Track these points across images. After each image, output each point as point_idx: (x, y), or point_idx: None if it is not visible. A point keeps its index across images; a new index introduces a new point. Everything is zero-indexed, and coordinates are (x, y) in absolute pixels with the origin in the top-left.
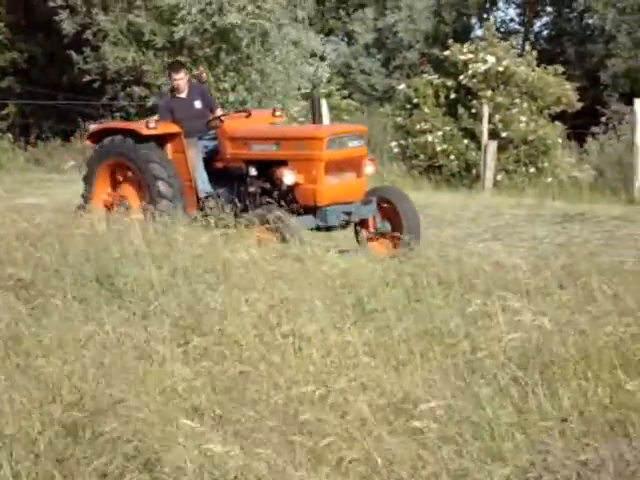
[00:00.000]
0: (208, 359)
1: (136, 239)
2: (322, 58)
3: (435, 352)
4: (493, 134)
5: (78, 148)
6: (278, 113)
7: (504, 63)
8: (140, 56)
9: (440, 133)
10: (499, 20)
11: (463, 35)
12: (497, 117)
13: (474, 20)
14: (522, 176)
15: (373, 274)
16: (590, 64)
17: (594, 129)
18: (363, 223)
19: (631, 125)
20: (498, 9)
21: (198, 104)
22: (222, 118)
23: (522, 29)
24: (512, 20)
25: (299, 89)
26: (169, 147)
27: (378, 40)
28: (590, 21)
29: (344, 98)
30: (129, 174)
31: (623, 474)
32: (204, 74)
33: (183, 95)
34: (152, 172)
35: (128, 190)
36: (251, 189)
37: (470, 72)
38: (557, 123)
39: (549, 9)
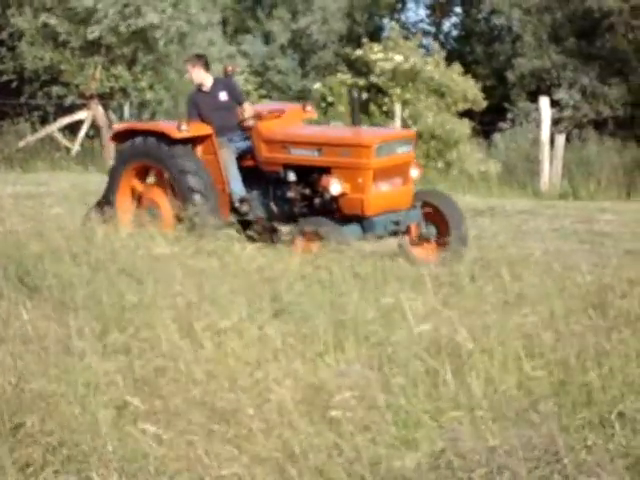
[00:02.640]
0: (128, 353)
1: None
2: (244, 55)
3: (350, 343)
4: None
5: None
6: (309, 108)
7: (411, 61)
8: (57, 56)
9: None
10: (410, 20)
11: (375, 35)
12: (407, 112)
13: (386, 20)
14: (432, 170)
15: (290, 268)
16: (498, 63)
17: (502, 125)
18: (406, 229)
19: (537, 122)
20: (408, 9)
21: (223, 96)
22: (255, 119)
23: (432, 29)
24: (422, 20)
25: None
26: (200, 149)
27: (293, 41)
28: (497, 22)
29: (261, 97)
30: (157, 177)
31: (530, 459)
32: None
33: (206, 89)
34: (187, 184)
35: (156, 193)
36: (289, 195)
37: (378, 70)
38: (464, 120)
39: (458, 10)
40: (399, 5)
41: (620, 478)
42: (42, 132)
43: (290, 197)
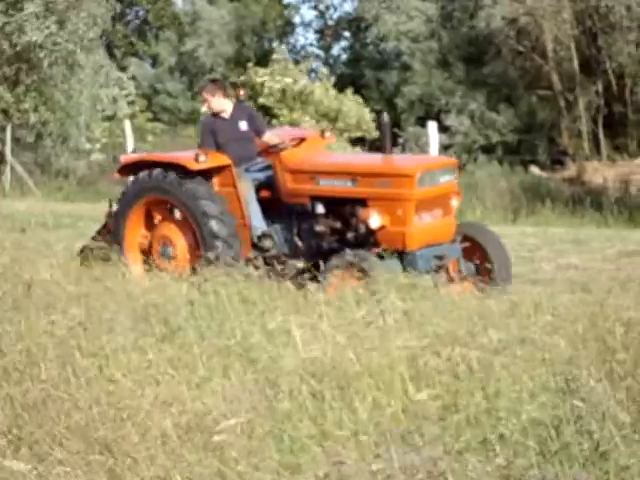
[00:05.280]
0: (7, 380)
1: None
2: (131, 78)
3: (236, 368)
4: None
5: None
6: (328, 134)
7: (301, 84)
8: None
9: None
10: (299, 44)
11: (264, 59)
12: None
13: (275, 44)
14: None
15: (178, 292)
16: (387, 89)
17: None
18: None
19: (426, 145)
20: (298, 34)
21: (244, 126)
22: (280, 147)
23: (322, 53)
24: (311, 44)
25: (103, 110)
26: (217, 180)
27: (180, 63)
28: (386, 47)
29: (149, 120)
30: (171, 213)
31: None
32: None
33: (225, 115)
34: (211, 229)
35: (170, 228)
36: (317, 229)
37: (267, 90)
38: (357, 149)
39: (347, 34)
40: (288, 29)
41: None
42: None
43: (318, 231)
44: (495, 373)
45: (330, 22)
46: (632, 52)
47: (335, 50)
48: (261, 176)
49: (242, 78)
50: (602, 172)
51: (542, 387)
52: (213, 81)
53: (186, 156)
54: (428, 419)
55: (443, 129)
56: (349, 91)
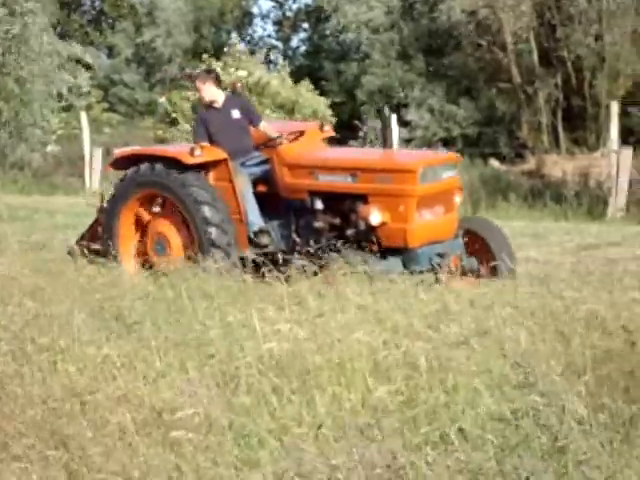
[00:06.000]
0: None
1: None
2: (87, 67)
3: (194, 362)
4: None
5: None
6: (327, 128)
7: (256, 75)
8: None
9: None
10: (257, 35)
11: (222, 50)
12: None
13: (234, 35)
14: None
15: (134, 286)
16: (347, 80)
17: (352, 143)
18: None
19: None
20: (256, 25)
21: (236, 114)
22: (277, 141)
23: (280, 45)
24: (270, 36)
25: (59, 101)
26: (213, 175)
27: (138, 54)
28: (346, 39)
29: (105, 111)
30: (164, 206)
31: (370, 476)
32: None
33: (218, 105)
34: (203, 215)
35: (164, 224)
36: (316, 225)
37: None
38: None
39: (305, 25)
40: (246, 20)
41: None
42: None
43: (317, 227)
44: (454, 367)
45: (289, 13)
46: (591, 44)
47: (294, 42)
48: (257, 170)
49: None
50: (561, 165)
51: (501, 381)
52: (207, 71)
53: (181, 150)
54: (387, 413)
55: (404, 124)
56: (306, 82)
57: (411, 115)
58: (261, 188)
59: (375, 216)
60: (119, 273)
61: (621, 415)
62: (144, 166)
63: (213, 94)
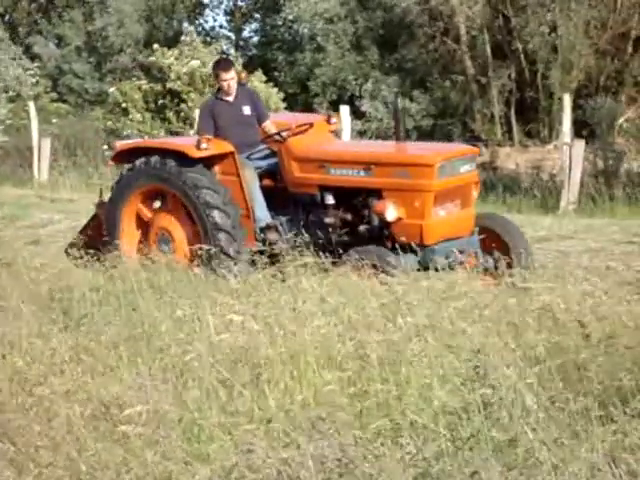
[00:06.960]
0: None
1: None
2: (34, 58)
3: (144, 356)
4: None
5: None
6: (333, 120)
7: (209, 66)
8: None
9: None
10: (209, 26)
11: (175, 39)
12: None
13: (185, 25)
14: None
15: (84, 279)
16: (300, 71)
17: None
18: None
19: (339, 130)
20: (208, 15)
21: (247, 110)
22: (285, 135)
23: (232, 35)
24: (222, 26)
25: (6, 91)
26: (219, 168)
27: (89, 43)
28: (299, 29)
29: (54, 101)
30: (169, 203)
31: (321, 470)
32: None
33: (230, 98)
34: (213, 220)
35: (168, 220)
36: (327, 221)
37: (173, 75)
38: None
39: (257, 16)
40: (198, 10)
41: None
42: None
43: (328, 223)
44: (406, 359)
45: (241, 3)
46: (545, 35)
47: (246, 32)
48: (264, 164)
49: (149, 60)
50: (514, 158)
51: (452, 373)
52: (229, 61)
53: (187, 143)
54: (338, 406)
55: (358, 115)
56: (258, 73)
57: (365, 107)
58: (267, 182)
59: (391, 212)
60: (68, 266)
61: (572, 408)
62: (154, 159)
63: (234, 86)
